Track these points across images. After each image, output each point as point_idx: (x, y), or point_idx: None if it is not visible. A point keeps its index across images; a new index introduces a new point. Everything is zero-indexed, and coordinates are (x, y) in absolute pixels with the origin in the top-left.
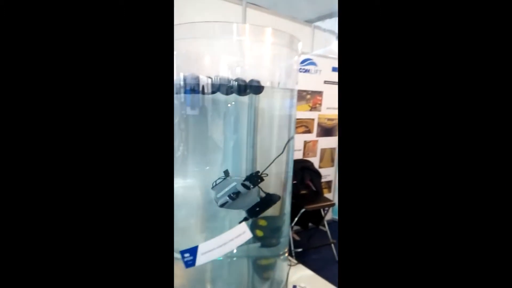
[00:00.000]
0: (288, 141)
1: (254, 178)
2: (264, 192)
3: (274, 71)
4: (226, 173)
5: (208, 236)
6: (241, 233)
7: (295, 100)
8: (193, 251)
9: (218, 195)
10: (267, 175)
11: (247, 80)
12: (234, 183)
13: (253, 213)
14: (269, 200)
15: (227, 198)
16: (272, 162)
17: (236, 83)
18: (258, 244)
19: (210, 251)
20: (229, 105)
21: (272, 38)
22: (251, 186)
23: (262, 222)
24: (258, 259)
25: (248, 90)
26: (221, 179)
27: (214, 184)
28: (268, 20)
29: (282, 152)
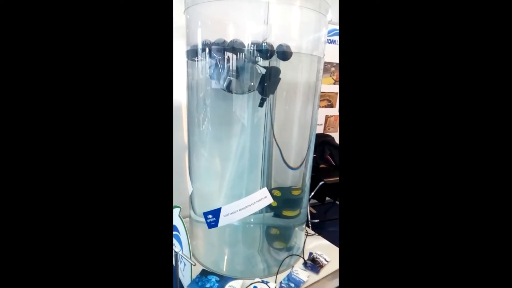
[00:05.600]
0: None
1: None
2: (263, 67)
3: (302, 37)
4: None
5: (226, 202)
6: (262, 197)
7: (321, 70)
8: (216, 213)
9: (221, 78)
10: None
11: (275, 45)
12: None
13: (263, 90)
14: (274, 71)
15: (229, 77)
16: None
17: (264, 46)
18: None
19: (232, 213)
20: (259, 71)
21: (301, 1)
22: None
23: (276, 193)
24: (271, 227)
25: (275, 55)
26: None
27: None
28: None
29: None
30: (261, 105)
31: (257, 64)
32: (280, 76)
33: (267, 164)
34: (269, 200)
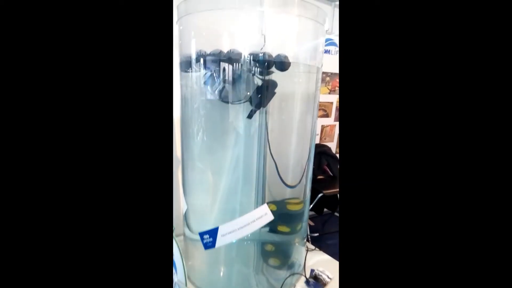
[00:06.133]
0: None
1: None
2: (261, 79)
3: (299, 47)
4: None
5: (219, 217)
6: (262, 214)
7: (319, 80)
8: (213, 232)
9: (214, 86)
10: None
11: (272, 55)
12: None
13: (257, 102)
14: (271, 84)
15: (223, 84)
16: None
17: (261, 57)
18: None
19: (230, 232)
20: (256, 82)
21: (298, 10)
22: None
23: (271, 207)
24: (266, 243)
25: (273, 67)
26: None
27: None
28: None
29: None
30: (250, 116)
31: (255, 75)
32: (278, 87)
33: (261, 176)
34: (270, 217)
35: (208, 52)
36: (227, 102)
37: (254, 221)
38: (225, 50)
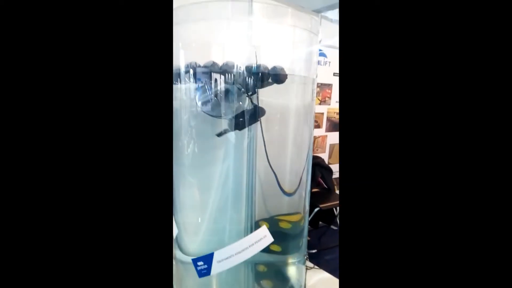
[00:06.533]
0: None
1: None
2: (252, 103)
3: (294, 58)
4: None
5: (206, 238)
6: (262, 237)
7: (315, 91)
8: (208, 258)
9: (204, 98)
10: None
11: (267, 67)
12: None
13: (237, 123)
14: (257, 111)
15: (213, 96)
16: None
17: (254, 69)
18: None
19: (227, 258)
20: (248, 98)
21: (292, 20)
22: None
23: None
24: (258, 264)
25: (269, 80)
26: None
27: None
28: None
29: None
30: (219, 135)
31: (249, 96)
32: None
33: (251, 192)
34: (269, 240)
35: (199, 63)
36: (218, 116)
37: (252, 244)
38: (216, 62)
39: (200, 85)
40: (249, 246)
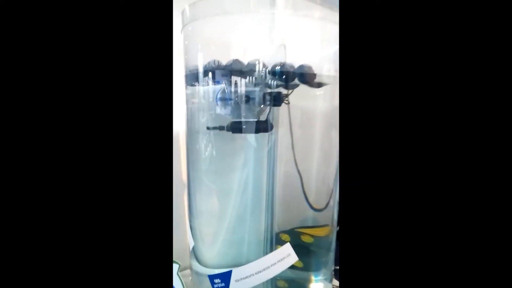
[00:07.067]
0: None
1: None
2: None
3: (322, 55)
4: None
5: (224, 248)
6: (285, 256)
7: None
8: (226, 276)
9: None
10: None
11: (294, 66)
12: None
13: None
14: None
15: (233, 98)
16: None
17: (277, 70)
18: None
19: (246, 277)
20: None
21: (321, 13)
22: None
23: (284, 237)
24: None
25: (296, 79)
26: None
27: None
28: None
29: None
30: (212, 128)
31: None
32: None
33: (271, 201)
34: (294, 259)
35: (221, 62)
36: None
37: (274, 264)
38: (238, 59)
39: (219, 86)
40: (271, 266)
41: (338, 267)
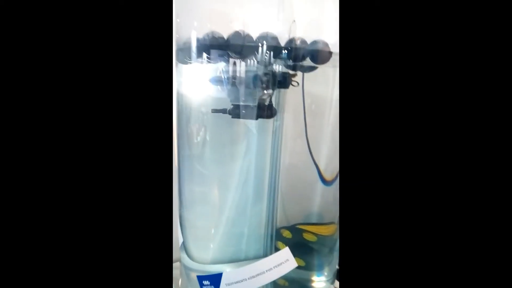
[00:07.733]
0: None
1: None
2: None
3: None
4: None
5: (222, 243)
6: (283, 261)
7: None
8: (215, 279)
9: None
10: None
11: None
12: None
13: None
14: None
15: (231, 79)
16: None
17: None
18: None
19: (237, 282)
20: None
21: None
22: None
23: (286, 234)
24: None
25: (308, 58)
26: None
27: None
28: None
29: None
30: (216, 111)
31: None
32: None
33: (273, 193)
34: (292, 265)
35: (220, 34)
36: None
37: (270, 269)
38: (238, 31)
39: (215, 63)
40: (266, 271)
41: (338, 267)
